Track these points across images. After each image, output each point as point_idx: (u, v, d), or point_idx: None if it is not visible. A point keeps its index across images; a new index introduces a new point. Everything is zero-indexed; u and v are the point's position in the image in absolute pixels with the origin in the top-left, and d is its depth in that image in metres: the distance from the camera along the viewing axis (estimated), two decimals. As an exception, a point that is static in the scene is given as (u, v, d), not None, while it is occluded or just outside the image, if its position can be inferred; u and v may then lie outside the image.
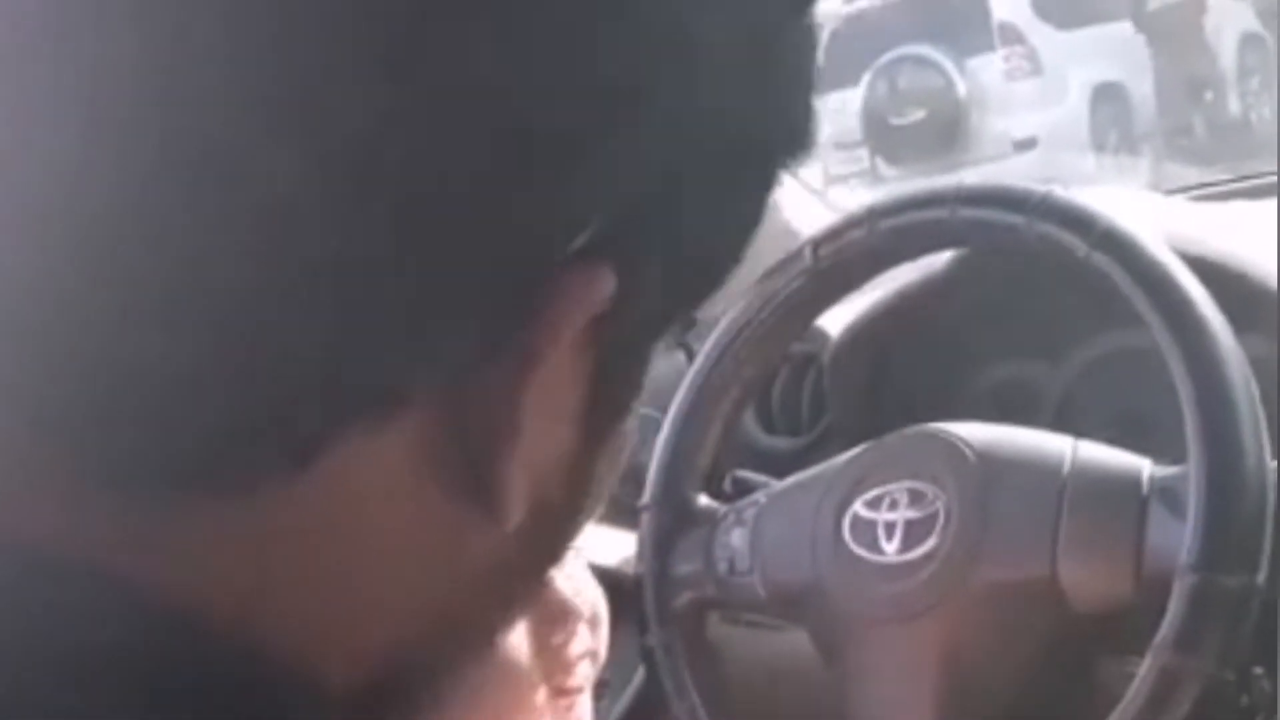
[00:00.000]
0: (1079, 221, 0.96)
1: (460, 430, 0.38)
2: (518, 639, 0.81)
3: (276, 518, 0.37)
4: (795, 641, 1.05)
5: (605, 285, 0.38)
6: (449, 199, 0.36)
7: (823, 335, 1.24)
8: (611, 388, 0.42)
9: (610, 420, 0.43)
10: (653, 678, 1.06)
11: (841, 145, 7.97)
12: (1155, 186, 1.72)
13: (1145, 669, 0.88)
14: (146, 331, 0.35)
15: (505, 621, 0.46)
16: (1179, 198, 1.46)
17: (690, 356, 1.30)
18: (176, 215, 0.34)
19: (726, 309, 1.10)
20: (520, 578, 0.44)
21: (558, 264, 0.37)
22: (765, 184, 0.43)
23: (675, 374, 1.23)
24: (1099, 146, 7.75)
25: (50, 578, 0.36)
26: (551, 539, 0.44)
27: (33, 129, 0.34)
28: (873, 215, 1.04)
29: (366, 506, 0.39)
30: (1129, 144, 7.80)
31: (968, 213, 1.01)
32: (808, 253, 1.06)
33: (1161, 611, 0.88)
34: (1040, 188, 1.01)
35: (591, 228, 0.38)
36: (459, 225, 0.36)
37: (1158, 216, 1.12)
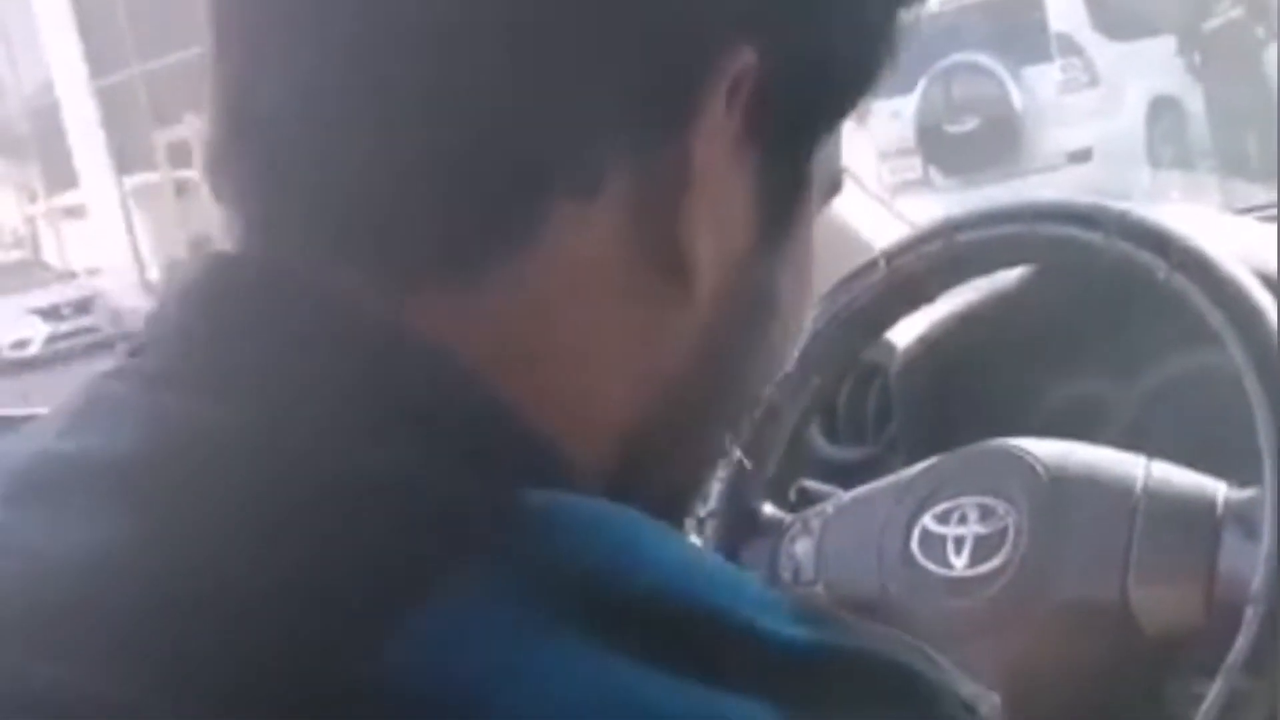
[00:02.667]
0: (1158, 241, 0.96)
1: (650, 200, 0.45)
2: None
3: (508, 294, 0.45)
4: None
5: (745, 59, 0.45)
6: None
7: (889, 346, 1.24)
8: (777, 189, 0.48)
9: (781, 223, 0.49)
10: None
11: (895, 153, 7.96)
12: (1224, 205, 1.71)
13: (1215, 691, 0.87)
14: (400, 158, 0.44)
15: (717, 422, 0.51)
16: (1248, 217, 1.45)
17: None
18: (403, 77, 0.44)
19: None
20: (720, 375, 0.50)
21: (702, 41, 0.45)
22: None
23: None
24: (1154, 161, 7.71)
25: (350, 330, 0.45)
26: (745, 341, 0.50)
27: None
28: (949, 229, 1.04)
29: (583, 281, 0.45)
30: (1184, 159, 7.76)
31: (1045, 229, 1.01)
32: (882, 264, 1.06)
33: (1233, 635, 0.87)
34: (1117, 205, 1.00)
35: (727, 7, 0.45)
36: (619, 18, 0.44)
37: (1230, 236, 1.11)
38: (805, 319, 0.54)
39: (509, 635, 0.39)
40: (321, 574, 0.40)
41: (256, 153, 0.46)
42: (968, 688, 0.44)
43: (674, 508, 0.51)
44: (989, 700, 0.45)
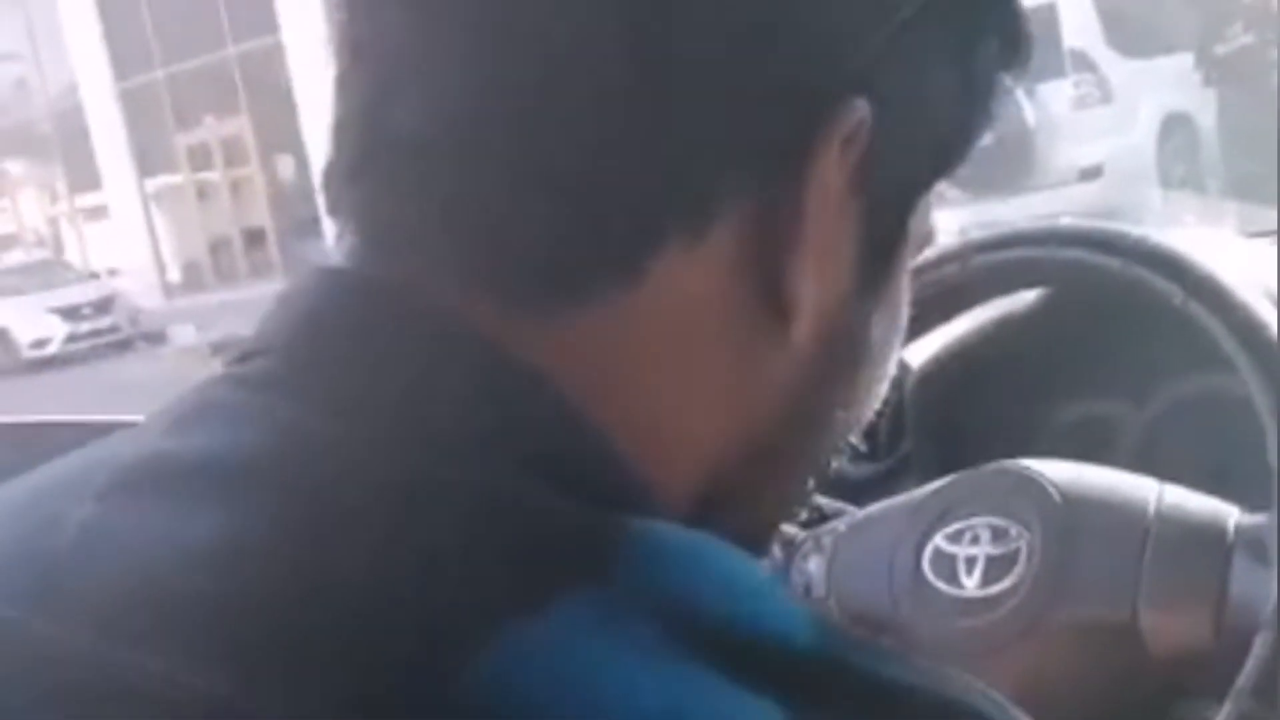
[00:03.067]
0: (1174, 267, 0.96)
1: (758, 242, 0.47)
2: None
3: (609, 325, 0.46)
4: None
5: (860, 113, 0.46)
6: (738, 46, 0.45)
7: (904, 364, 1.24)
8: (877, 240, 0.50)
9: (879, 273, 0.50)
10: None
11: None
12: (1239, 227, 1.71)
13: (1223, 716, 0.87)
14: (522, 186, 0.46)
15: (802, 464, 0.53)
16: (1263, 241, 1.45)
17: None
18: (531, 107, 0.45)
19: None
20: (809, 419, 0.51)
21: (823, 93, 0.46)
22: (999, 56, 0.51)
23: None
24: (1165, 179, 7.69)
25: (455, 351, 0.46)
26: (836, 385, 0.51)
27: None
28: (967, 251, 1.05)
29: (684, 319, 0.47)
30: (1195, 178, 7.74)
31: (1063, 253, 1.01)
32: (899, 284, 1.07)
33: (1242, 660, 0.87)
34: (1135, 231, 1.01)
35: (848, 64, 0.47)
36: (745, 67, 0.45)
37: (1245, 261, 1.11)
38: (894, 367, 0.55)
39: (610, 653, 0.41)
40: (432, 588, 0.41)
41: (384, 170, 0.48)
42: None
43: (750, 546, 0.51)
44: None
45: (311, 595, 0.41)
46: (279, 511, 0.43)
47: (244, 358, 0.49)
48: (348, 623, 0.40)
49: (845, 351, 0.51)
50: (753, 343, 0.48)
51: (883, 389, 0.54)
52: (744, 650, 0.41)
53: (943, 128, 0.51)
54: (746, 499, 0.51)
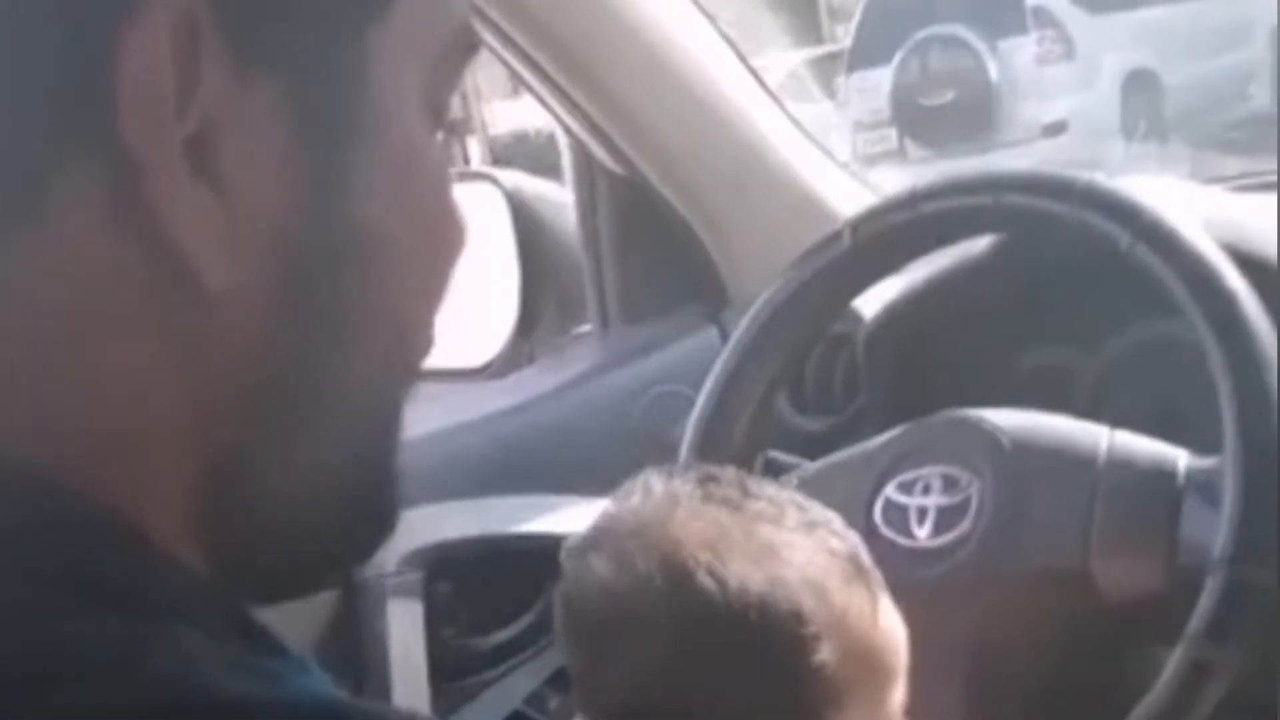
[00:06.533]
0: (1122, 212, 0.96)
1: (118, 196, 0.39)
2: None
3: None
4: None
5: (173, 7, 0.38)
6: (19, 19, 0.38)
7: (857, 316, 1.24)
8: (320, 120, 0.41)
9: (346, 155, 0.41)
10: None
11: (870, 124, 7.97)
12: (1193, 176, 1.70)
13: (1176, 659, 0.87)
14: None
15: (331, 426, 0.43)
16: (1217, 188, 1.45)
17: (724, 334, 1.30)
18: None
19: (764, 288, 1.10)
20: (305, 368, 0.42)
21: (98, 18, 0.38)
22: None
23: (708, 351, 1.23)
24: (1128, 133, 7.72)
25: None
26: (338, 305, 0.42)
27: None
28: (914, 199, 1.04)
29: (73, 317, 0.39)
30: (1159, 132, 7.77)
31: (1010, 199, 1.00)
32: (847, 234, 1.06)
33: (1194, 603, 0.87)
34: (1083, 176, 1.00)
35: None
36: (24, 45, 0.38)
37: (1197, 206, 1.11)
38: (444, 264, 0.45)
39: None
40: None
41: None
42: None
43: (321, 531, 0.45)
44: None
45: None
46: None
47: None
48: None
49: (324, 263, 0.41)
50: (185, 309, 0.40)
51: (440, 278, 0.45)
52: None
53: None
54: (278, 484, 0.43)
